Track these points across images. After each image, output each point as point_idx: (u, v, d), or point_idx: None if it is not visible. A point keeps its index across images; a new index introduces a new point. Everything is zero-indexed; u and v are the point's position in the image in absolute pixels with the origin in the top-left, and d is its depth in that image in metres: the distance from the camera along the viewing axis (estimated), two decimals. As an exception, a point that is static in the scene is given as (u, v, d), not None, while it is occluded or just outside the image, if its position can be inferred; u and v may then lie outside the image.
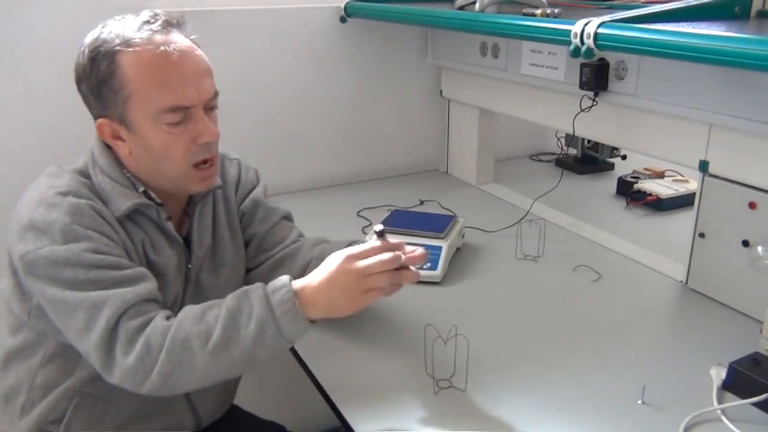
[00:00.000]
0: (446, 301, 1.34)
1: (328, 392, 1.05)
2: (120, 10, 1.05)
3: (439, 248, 1.41)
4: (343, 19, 1.85)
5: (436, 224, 1.49)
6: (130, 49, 0.99)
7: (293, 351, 1.15)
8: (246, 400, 1.41)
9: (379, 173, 2.07)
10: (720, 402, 1.01)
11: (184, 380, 0.96)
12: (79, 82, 1.04)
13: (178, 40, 1.03)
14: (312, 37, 1.85)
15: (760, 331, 1.06)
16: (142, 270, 1.03)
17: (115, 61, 1.00)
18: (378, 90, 1.99)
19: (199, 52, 1.06)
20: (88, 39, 1.02)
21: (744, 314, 1.26)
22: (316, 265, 1.05)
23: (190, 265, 1.16)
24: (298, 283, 0.99)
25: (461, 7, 1.59)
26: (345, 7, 1.83)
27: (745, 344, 1.10)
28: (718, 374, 1.05)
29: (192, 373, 0.96)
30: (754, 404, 0.99)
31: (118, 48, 0.99)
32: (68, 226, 0.98)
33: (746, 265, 1.24)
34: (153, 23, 1.02)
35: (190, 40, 1.07)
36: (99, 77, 1.01)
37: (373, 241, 1.01)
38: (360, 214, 1.77)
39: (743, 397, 1.01)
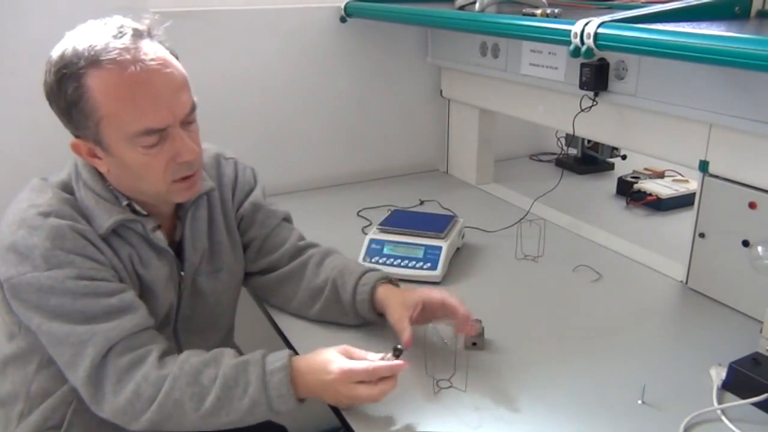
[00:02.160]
0: (446, 301, 1.33)
1: (328, 392, 1.05)
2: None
3: (439, 248, 1.40)
4: (343, 19, 1.85)
5: (436, 224, 1.49)
6: (98, 71, 0.94)
7: (293, 351, 1.15)
8: (246, 400, 1.41)
9: (379, 173, 2.07)
10: (720, 402, 1.01)
11: (172, 428, 0.99)
12: (48, 100, 0.99)
13: (150, 52, 0.96)
14: (312, 37, 1.85)
15: (760, 331, 1.06)
16: (129, 298, 1.01)
17: (82, 85, 0.94)
18: (378, 90, 1.99)
19: (172, 66, 0.99)
20: (54, 55, 0.96)
21: (744, 314, 1.26)
22: (332, 290, 1.17)
23: (183, 272, 1.14)
24: (296, 364, 1.00)
25: (461, 7, 1.59)
26: (345, 7, 1.83)
27: (745, 344, 1.10)
28: (718, 374, 1.05)
29: (180, 426, 0.98)
30: (754, 404, 0.99)
31: (83, 70, 0.94)
32: (49, 251, 0.96)
33: (746, 265, 1.23)
34: (121, 37, 0.96)
35: (165, 47, 1.01)
36: (68, 100, 0.95)
37: (377, 362, 0.99)
38: (360, 214, 1.77)
39: (743, 397, 1.01)
